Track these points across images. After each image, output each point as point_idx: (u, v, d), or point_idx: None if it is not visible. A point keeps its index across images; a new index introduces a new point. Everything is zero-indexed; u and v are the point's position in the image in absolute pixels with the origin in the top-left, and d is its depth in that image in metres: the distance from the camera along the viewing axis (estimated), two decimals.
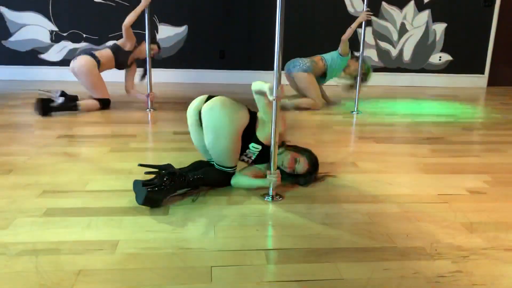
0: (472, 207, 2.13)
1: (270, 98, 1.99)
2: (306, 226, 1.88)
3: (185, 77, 5.93)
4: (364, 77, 4.44)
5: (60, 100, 3.87)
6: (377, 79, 6.29)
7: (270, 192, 2.14)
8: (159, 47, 4.34)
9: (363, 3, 4.17)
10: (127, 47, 4.15)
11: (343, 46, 4.34)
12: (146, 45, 4.10)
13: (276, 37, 1.96)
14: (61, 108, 3.89)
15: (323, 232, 1.82)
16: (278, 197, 2.15)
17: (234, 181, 2.26)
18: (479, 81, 6.49)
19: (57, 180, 2.31)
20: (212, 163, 2.27)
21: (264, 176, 2.19)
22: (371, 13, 4.26)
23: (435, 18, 6.21)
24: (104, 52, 4.13)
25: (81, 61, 4.01)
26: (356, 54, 4.48)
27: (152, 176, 2.09)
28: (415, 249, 1.70)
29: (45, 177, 2.35)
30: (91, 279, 1.45)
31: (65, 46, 5.75)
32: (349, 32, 4.30)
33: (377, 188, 2.35)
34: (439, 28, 6.25)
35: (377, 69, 6.27)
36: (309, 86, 4.36)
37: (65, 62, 5.75)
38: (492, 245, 1.75)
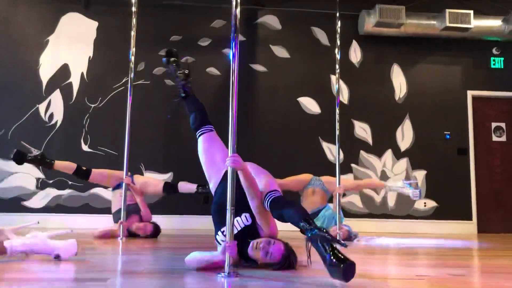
0: (452, 280, 1.89)
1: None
2: None
3: (168, 224, 5.81)
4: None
5: (37, 152, 4.09)
6: (362, 226, 6.16)
7: (226, 268, 1.92)
8: (155, 231, 4.30)
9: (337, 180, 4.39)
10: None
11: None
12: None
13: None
14: (36, 160, 4.11)
15: None
16: (234, 274, 1.92)
17: (187, 258, 2.07)
18: (469, 227, 6.37)
19: None
20: None
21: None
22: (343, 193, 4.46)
23: (414, 166, 6.41)
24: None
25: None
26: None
27: None
28: None
29: None
30: None
31: (49, 193, 5.79)
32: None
33: None
34: (420, 175, 6.40)
35: (362, 215, 6.21)
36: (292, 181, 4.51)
37: (47, 209, 5.71)
38: None
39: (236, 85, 2.07)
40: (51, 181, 5.83)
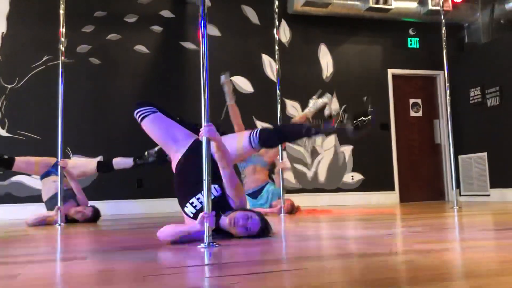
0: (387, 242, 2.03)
1: None
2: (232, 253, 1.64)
3: (101, 209, 5.55)
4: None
5: None
6: (297, 201, 6.33)
7: (205, 239, 1.89)
8: (94, 214, 4.16)
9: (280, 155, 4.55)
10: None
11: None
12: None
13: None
14: None
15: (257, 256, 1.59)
16: (214, 244, 1.89)
17: (160, 231, 1.99)
18: (392, 197, 6.81)
19: None
20: None
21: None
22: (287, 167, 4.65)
23: (342, 141, 6.69)
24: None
25: None
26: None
27: None
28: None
29: None
30: None
31: None
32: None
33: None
34: (347, 150, 6.70)
35: (295, 191, 6.39)
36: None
37: None
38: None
39: (206, 55, 2.02)
40: None
